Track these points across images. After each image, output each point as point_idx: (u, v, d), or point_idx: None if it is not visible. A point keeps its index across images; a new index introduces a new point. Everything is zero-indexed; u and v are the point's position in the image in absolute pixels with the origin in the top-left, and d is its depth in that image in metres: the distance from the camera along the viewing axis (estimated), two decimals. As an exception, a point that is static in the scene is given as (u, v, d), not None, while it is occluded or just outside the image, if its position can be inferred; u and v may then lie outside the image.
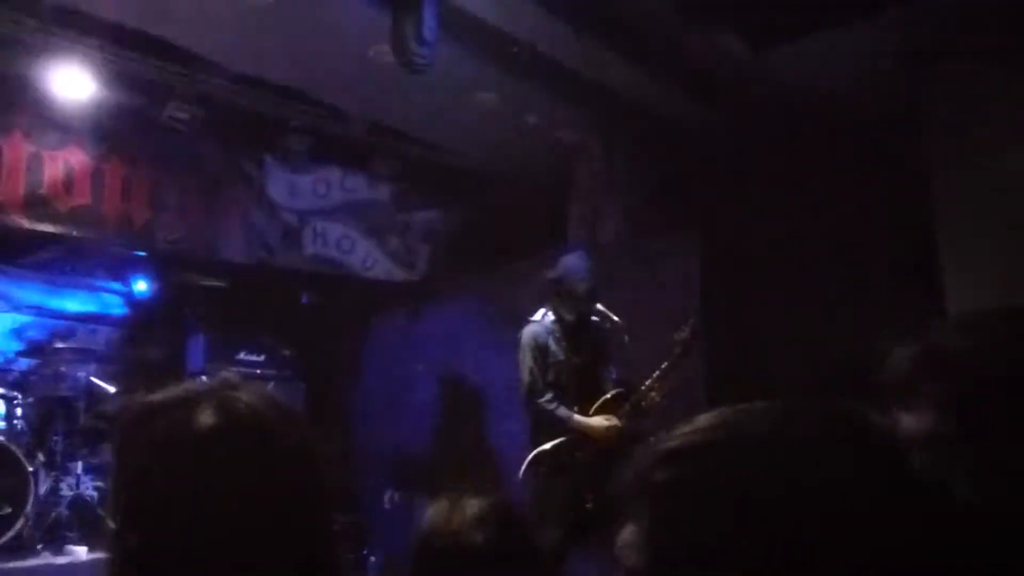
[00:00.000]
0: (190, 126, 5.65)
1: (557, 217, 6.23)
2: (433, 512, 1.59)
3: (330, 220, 6.68)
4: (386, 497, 6.39)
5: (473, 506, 1.56)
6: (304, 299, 7.38)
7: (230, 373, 1.09)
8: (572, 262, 4.38)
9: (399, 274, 7.05)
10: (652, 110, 5.58)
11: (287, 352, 6.84)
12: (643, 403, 4.16)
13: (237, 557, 0.91)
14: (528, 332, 4.37)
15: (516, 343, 4.41)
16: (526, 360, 4.33)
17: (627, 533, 0.70)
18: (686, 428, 0.69)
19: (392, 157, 6.61)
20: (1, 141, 5.39)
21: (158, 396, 1.01)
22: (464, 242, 6.95)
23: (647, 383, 4.17)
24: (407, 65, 4.24)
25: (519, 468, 4.28)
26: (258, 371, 6.58)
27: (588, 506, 4.03)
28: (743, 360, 5.29)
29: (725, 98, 5.40)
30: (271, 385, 6.63)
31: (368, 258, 6.90)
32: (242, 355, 6.64)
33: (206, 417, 0.96)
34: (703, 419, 0.69)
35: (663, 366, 4.16)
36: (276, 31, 4.74)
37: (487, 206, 6.78)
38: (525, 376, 4.31)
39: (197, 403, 0.98)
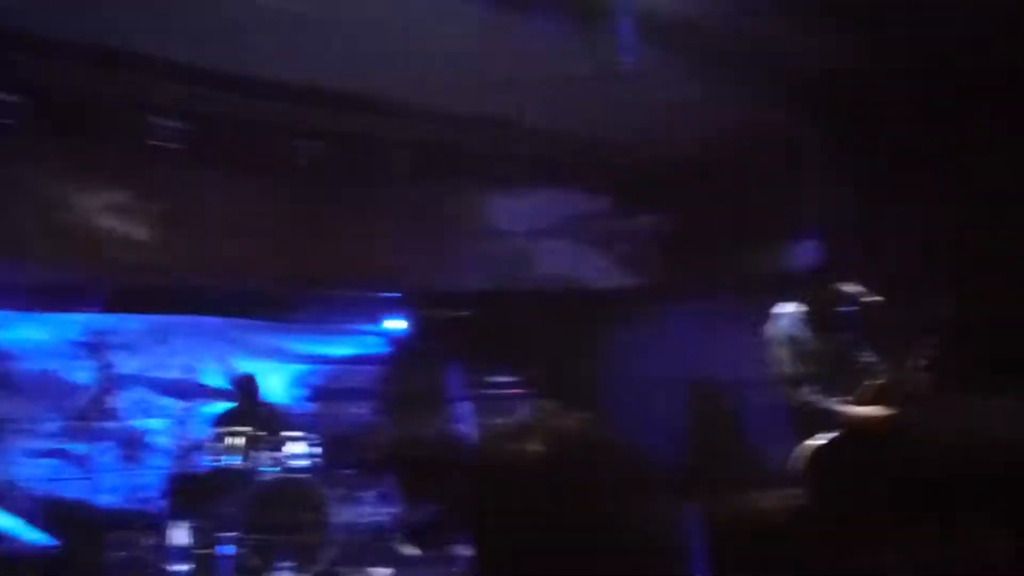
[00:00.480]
0: (417, 172, 6.04)
1: (783, 205, 6.04)
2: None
3: (556, 238, 6.87)
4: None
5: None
6: (542, 318, 7.62)
7: (549, 404, 1.19)
8: (809, 248, 4.25)
9: (632, 281, 7.11)
10: (868, 88, 5.28)
11: (534, 372, 7.10)
12: (906, 387, 3.92)
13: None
14: (779, 324, 4.26)
15: (766, 338, 4.30)
16: (781, 353, 4.20)
17: None
18: None
19: (607, 166, 6.67)
20: (257, 212, 6.04)
21: (492, 431, 1.13)
22: (693, 241, 6.89)
23: (909, 365, 3.93)
24: (608, 74, 4.30)
25: (783, 467, 4.16)
26: (509, 393, 6.92)
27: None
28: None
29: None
30: (526, 405, 6.99)
31: (599, 270, 7.02)
32: (494, 379, 6.99)
33: (534, 446, 1.06)
34: None
35: (923, 348, 3.90)
36: (480, 67, 4.95)
37: (710, 202, 6.69)
38: (783, 370, 4.18)
39: (524, 434, 1.08)
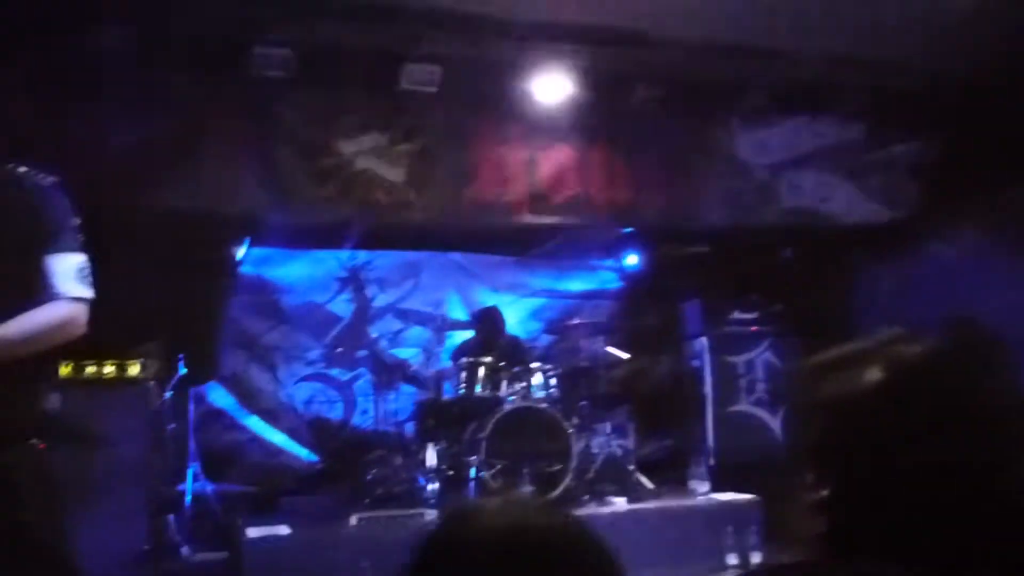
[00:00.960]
0: (658, 105, 5.94)
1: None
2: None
3: (804, 169, 6.55)
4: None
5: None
6: (787, 253, 7.34)
7: (895, 330, 1.14)
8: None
9: (886, 215, 6.66)
10: None
11: (777, 308, 6.89)
12: None
13: (932, 505, 0.92)
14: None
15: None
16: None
17: None
18: None
19: (861, 91, 6.22)
20: (503, 151, 6.21)
21: (825, 356, 1.08)
22: (956, 171, 6.32)
23: None
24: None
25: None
26: (752, 329, 6.75)
27: None
28: None
29: None
30: (766, 342, 6.80)
31: (849, 203, 6.63)
32: (735, 315, 6.85)
33: (873, 373, 1.01)
34: None
35: None
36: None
37: (978, 129, 6.07)
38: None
39: (865, 360, 1.03)
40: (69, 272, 2.36)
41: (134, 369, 4.94)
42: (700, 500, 6.03)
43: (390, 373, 6.90)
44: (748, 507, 5.66)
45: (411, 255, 7.69)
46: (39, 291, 2.34)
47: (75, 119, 5.15)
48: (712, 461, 6.58)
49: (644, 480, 6.18)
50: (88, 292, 2.39)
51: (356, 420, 7.46)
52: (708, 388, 6.76)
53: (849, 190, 6.60)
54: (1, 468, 2.22)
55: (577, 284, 8.11)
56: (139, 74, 5.20)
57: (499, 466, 5.67)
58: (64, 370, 4.70)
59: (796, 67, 5.93)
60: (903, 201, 6.64)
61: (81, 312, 2.38)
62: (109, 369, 4.87)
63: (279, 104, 5.65)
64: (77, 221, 2.43)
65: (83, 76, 5.11)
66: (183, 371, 5.68)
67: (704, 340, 6.77)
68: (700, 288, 7.10)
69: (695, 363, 6.94)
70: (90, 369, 4.81)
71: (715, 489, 6.10)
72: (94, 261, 2.44)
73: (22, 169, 2.41)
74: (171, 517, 5.12)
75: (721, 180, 6.41)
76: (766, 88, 6.09)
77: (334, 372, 7.55)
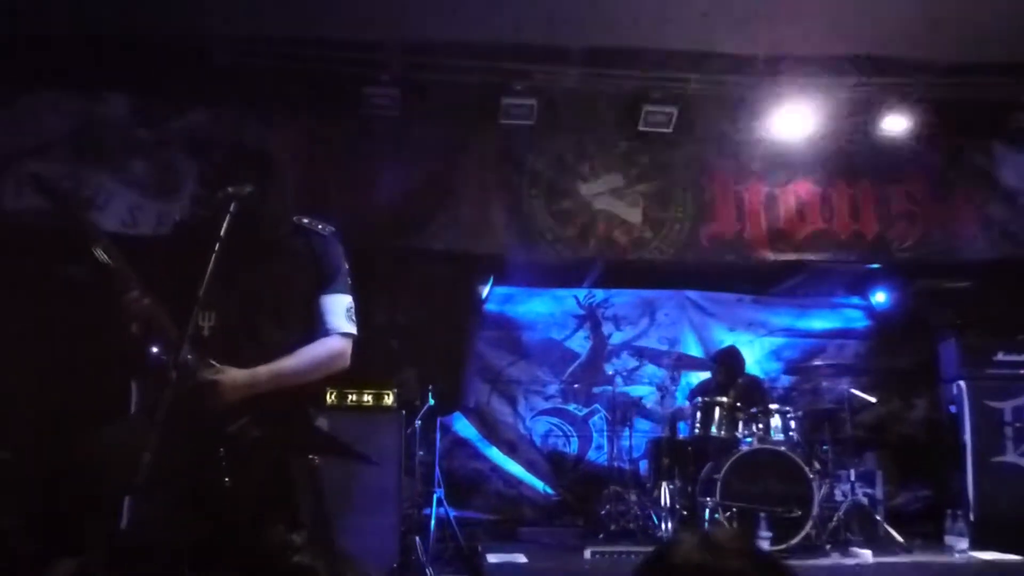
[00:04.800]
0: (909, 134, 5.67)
1: None
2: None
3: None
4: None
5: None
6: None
7: None
8: None
9: None
10: None
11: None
12: None
13: None
14: None
15: None
16: None
17: None
18: None
19: None
20: (742, 190, 6.17)
21: None
22: None
23: None
24: None
25: None
26: (1020, 372, 6.15)
27: None
28: None
29: None
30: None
31: None
32: (999, 356, 6.24)
33: None
34: None
35: None
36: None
37: None
38: None
39: None
40: (340, 311, 2.68)
41: (388, 398, 5.34)
42: (958, 558, 5.53)
43: (625, 410, 6.95)
44: (1014, 568, 5.13)
45: (647, 293, 7.73)
46: (315, 327, 2.66)
47: (347, 172, 5.74)
48: (972, 516, 6.02)
49: (894, 533, 5.78)
50: (354, 329, 2.69)
51: (591, 455, 7.56)
52: (968, 436, 6.20)
53: None
54: (285, 481, 2.52)
55: (820, 323, 7.75)
56: (401, 128, 5.72)
57: (734, 508, 5.53)
58: (328, 397, 5.18)
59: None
60: None
61: (348, 347, 2.69)
62: (367, 397, 5.30)
63: (524, 150, 5.98)
64: (347, 266, 2.75)
65: (355, 134, 5.70)
66: (431, 402, 6.05)
67: (963, 384, 6.22)
68: (959, 327, 6.56)
69: (952, 408, 6.40)
70: (352, 397, 5.27)
71: (975, 547, 5.58)
72: (358, 299, 2.74)
73: (307, 220, 2.76)
74: (417, 538, 5.43)
75: (982, 209, 5.97)
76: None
77: (571, 407, 7.70)
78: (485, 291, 7.37)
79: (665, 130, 5.62)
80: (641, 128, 5.65)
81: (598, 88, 5.57)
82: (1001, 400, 6.18)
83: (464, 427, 7.44)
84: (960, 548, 5.64)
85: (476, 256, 6.23)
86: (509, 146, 5.96)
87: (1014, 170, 5.95)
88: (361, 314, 2.74)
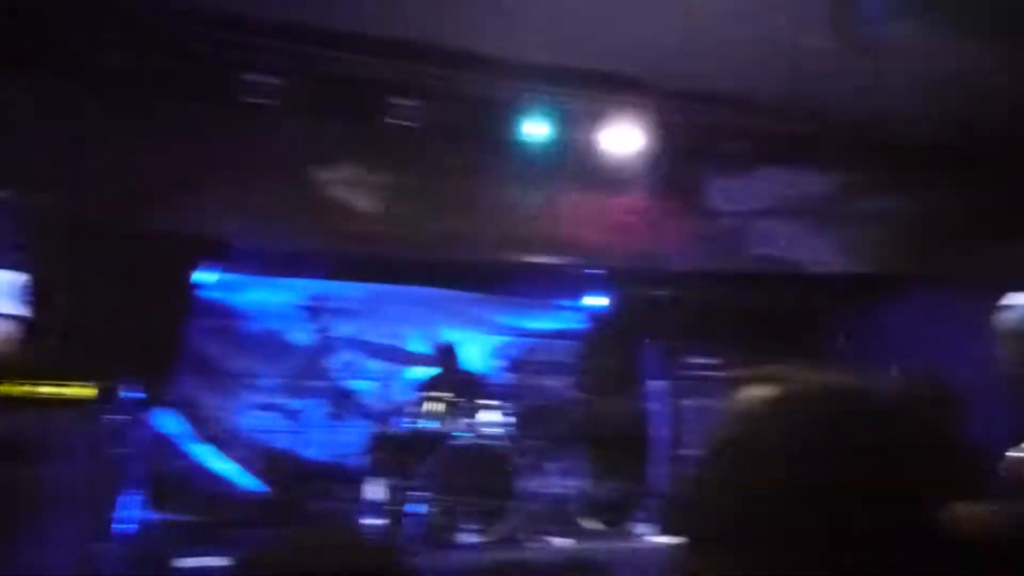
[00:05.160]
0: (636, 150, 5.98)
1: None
2: None
3: (774, 219, 6.62)
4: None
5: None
6: (752, 300, 7.37)
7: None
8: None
9: (853, 267, 6.74)
10: None
11: (739, 355, 6.87)
12: None
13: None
14: (1012, 317, 3.90)
15: (997, 332, 3.96)
16: (1012, 348, 3.87)
17: None
18: None
19: (836, 145, 6.33)
20: (477, 190, 6.19)
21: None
22: (924, 228, 6.43)
23: None
24: (852, 47, 4.06)
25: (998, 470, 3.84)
26: (708, 374, 6.75)
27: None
28: None
29: None
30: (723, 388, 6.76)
31: (817, 253, 6.70)
32: (693, 360, 6.84)
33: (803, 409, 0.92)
34: None
35: None
36: (717, 45, 4.83)
37: (948, 188, 6.19)
38: (1011, 366, 3.86)
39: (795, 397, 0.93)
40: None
41: (80, 390, 4.78)
42: (645, 544, 5.96)
43: (345, 404, 6.79)
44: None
45: (375, 287, 7.61)
46: None
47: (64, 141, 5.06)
48: (662, 505, 6.54)
49: (590, 522, 6.13)
50: (20, 309, 2.31)
51: (308, 451, 7.31)
52: (661, 431, 6.74)
53: (817, 242, 6.68)
54: None
55: (542, 323, 8.08)
56: (126, 99, 5.14)
57: (445, 503, 5.58)
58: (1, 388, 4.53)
59: (774, 119, 6.04)
60: (871, 254, 6.73)
61: (9, 328, 2.30)
62: (51, 389, 4.70)
63: (261, 131, 5.60)
64: (19, 240, 2.35)
65: (69, 101, 5.03)
66: (135, 394, 5.52)
67: (661, 383, 6.76)
68: (661, 332, 7.09)
69: (652, 406, 6.91)
70: (29, 388, 4.64)
71: (663, 533, 6.05)
72: (56, 280, 2.37)
73: None
74: (106, 545, 4.93)
75: (691, 225, 6.46)
76: (743, 137, 6.17)
77: (289, 402, 7.40)
78: (204, 277, 6.86)
79: (410, 124, 5.51)
80: (387, 120, 5.50)
81: (343, 73, 5.33)
82: (692, 399, 6.76)
83: (171, 422, 6.89)
84: (647, 535, 6.10)
85: (195, 239, 5.76)
86: (246, 127, 5.56)
87: (720, 192, 6.49)
88: (60, 296, 2.36)
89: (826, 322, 7.05)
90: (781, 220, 6.58)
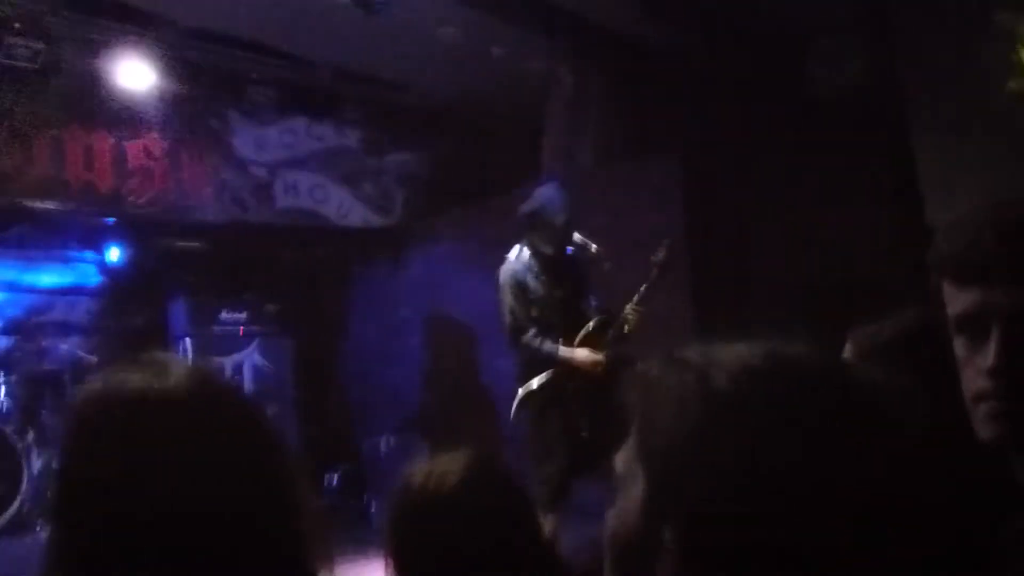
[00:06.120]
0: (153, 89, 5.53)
1: (533, 150, 6.14)
2: (412, 469, 1.54)
3: (301, 171, 6.59)
4: (382, 443, 6.40)
5: (451, 461, 1.51)
6: (282, 253, 7.30)
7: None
8: (546, 194, 4.26)
9: (376, 220, 6.99)
10: (619, 33, 5.48)
11: (271, 308, 6.75)
12: (625, 328, 4.14)
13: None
14: (506, 270, 4.28)
15: (498, 282, 4.34)
16: (506, 299, 4.25)
17: (622, 455, 0.72)
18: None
19: (359, 101, 6.49)
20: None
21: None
22: (440, 183, 6.88)
23: (627, 308, 4.14)
24: (364, 6, 4.12)
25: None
26: (242, 329, 6.52)
27: (584, 435, 4.03)
28: (727, 280, 5.29)
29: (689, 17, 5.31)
30: (256, 342, 6.60)
31: (343, 206, 6.82)
32: (224, 315, 6.53)
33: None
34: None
35: (642, 289, 4.13)
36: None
37: (460, 144, 6.68)
38: (507, 316, 4.26)
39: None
40: None
41: None
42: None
43: None
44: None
45: None
46: None
47: None
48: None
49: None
50: None
51: None
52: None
53: (343, 194, 6.80)
54: None
55: (48, 278, 7.03)
56: None
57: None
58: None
59: (298, 69, 5.98)
60: (393, 207, 7.05)
61: None
62: None
63: None
64: None
65: None
66: None
67: (188, 341, 6.34)
68: (189, 286, 6.69)
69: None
70: None
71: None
72: None
73: None
74: None
75: (217, 174, 6.17)
76: (268, 85, 6.03)
77: None
78: None
79: None
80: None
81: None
82: (224, 355, 6.46)
83: None
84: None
85: None
86: None
87: (246, 140, 6.28)
88: None
89: (354, 273, 7.25)
90: (307, 173, 6.61)
